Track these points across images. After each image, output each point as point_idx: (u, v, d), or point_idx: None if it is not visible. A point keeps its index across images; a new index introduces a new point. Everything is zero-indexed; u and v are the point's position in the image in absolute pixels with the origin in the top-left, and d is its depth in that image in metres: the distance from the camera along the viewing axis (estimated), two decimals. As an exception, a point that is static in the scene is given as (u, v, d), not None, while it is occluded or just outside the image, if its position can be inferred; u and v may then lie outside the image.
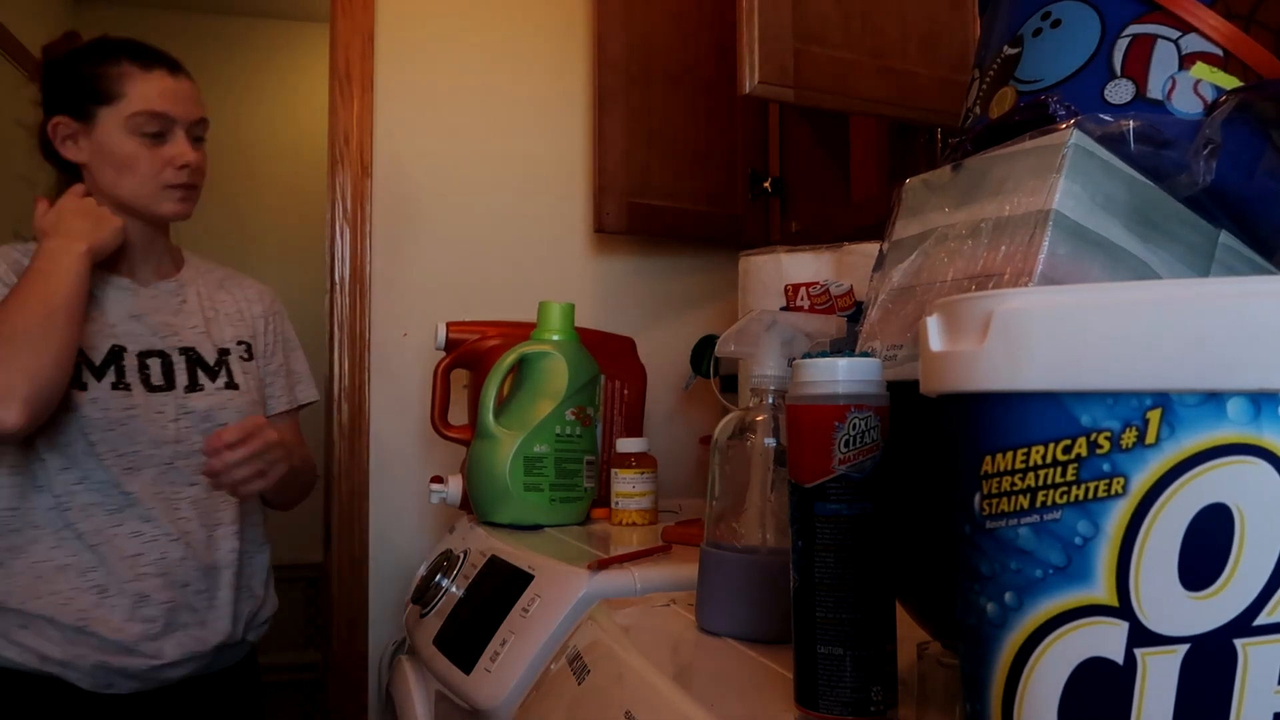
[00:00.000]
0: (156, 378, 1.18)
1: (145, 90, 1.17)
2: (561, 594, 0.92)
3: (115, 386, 1.14)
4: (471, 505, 1.31)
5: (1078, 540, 0.32)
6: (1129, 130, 0.55)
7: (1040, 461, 0.33)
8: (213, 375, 1.23)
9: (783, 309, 1.06)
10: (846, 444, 0.52)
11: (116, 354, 1.16)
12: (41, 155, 1.22)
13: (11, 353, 1.03)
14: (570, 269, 1.89)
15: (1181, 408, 0.30)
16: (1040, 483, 0.33)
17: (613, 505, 1.28)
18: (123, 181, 1.17)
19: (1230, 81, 0.58)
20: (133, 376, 1.16)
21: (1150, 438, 0.31)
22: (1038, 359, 0.33)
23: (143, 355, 1.18)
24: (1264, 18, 0.60)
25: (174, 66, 1.21)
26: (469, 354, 1.45)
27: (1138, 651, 0.31)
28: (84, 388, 1.12)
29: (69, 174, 1.22)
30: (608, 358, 1.44)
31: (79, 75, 1.18)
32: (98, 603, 1.11)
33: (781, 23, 1.19)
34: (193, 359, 1.22)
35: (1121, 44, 0.60)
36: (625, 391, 1.52)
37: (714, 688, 0.63)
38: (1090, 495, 0.32)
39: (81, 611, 1.10)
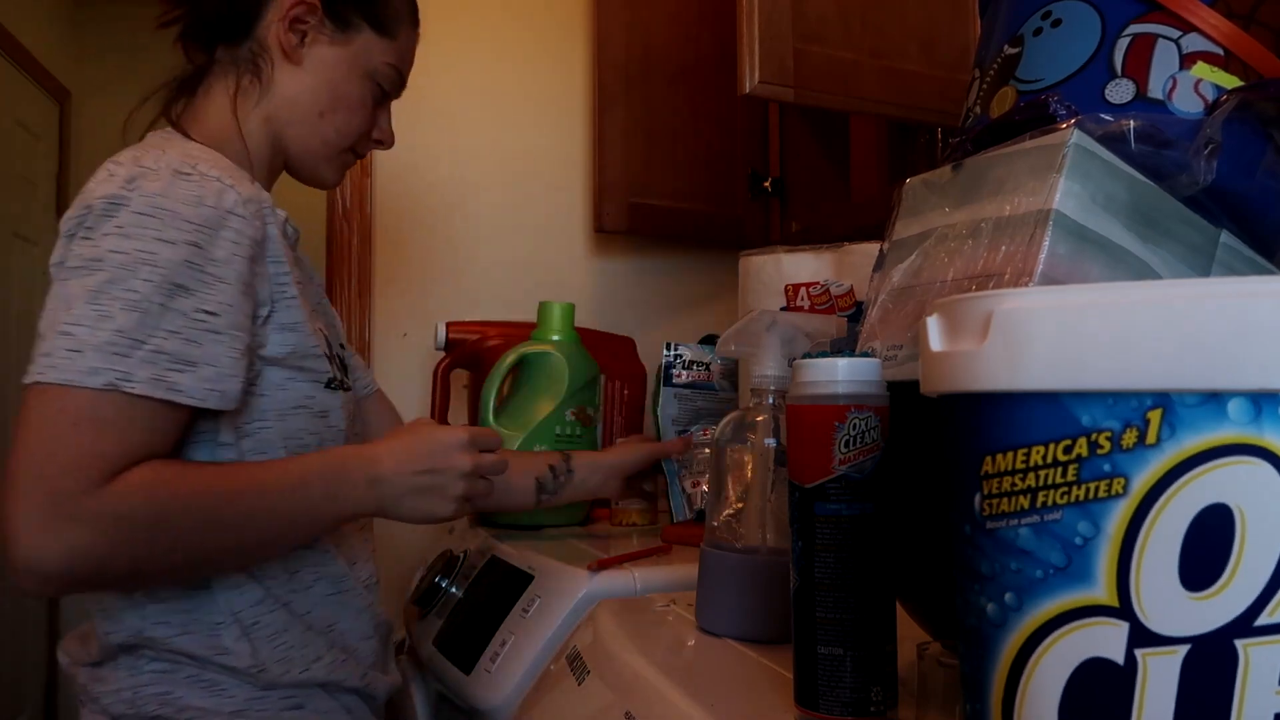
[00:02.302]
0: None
1: (408, 46, 0.98)
2: (561, 594, 0.92)
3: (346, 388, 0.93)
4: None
5: (1078, 540, 0.32)
6: (1129, 130, 0.55)
7: (1040, 462, 0.33)
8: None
9: (783, 309, 1.05)
10: (846, 444, 0.52)
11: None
12: (189, 25, 0.92)
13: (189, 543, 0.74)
14: (570, 269, 1.89)
15: (1182, 408, 0.30)
16: (1040, 483, 0.33)
17: (613, 505, 1.28)
18: (325, 124, 0.93)
19: (1231, 81, 0.58)
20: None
21: (1151, 438, 0.31)
22: (1038, 359, 0.33)
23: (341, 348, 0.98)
24: (1265, 17, 0.60)
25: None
26: (469, 354, 1.45)
27: (1138, 652, 0.31)
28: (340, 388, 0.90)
29: (194, 81, 0.91)
30: (608, 358, 1.44)
31: None
32: None
33: (781, 22, 1.19)
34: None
35: (1122, 43, 0.60)
36: (625, 391, 1.52)
37: (714, 688, 0.63)
38: (1091, 495, 0.32)
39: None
